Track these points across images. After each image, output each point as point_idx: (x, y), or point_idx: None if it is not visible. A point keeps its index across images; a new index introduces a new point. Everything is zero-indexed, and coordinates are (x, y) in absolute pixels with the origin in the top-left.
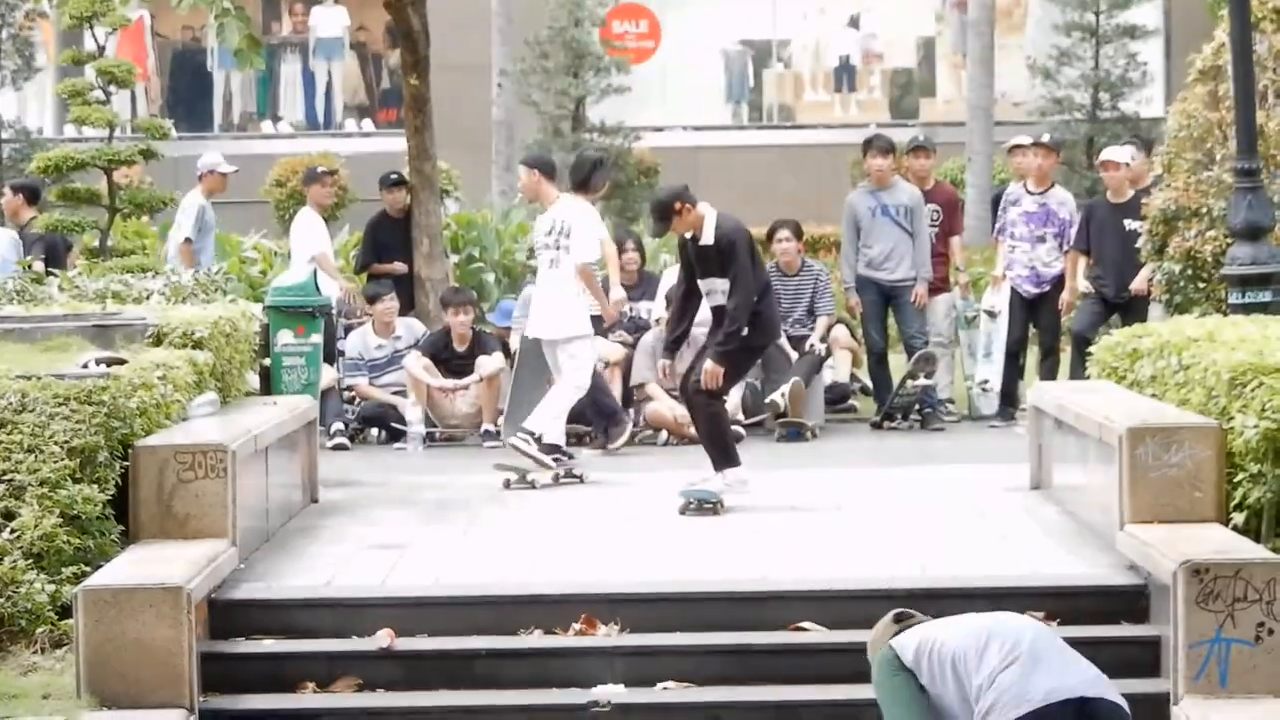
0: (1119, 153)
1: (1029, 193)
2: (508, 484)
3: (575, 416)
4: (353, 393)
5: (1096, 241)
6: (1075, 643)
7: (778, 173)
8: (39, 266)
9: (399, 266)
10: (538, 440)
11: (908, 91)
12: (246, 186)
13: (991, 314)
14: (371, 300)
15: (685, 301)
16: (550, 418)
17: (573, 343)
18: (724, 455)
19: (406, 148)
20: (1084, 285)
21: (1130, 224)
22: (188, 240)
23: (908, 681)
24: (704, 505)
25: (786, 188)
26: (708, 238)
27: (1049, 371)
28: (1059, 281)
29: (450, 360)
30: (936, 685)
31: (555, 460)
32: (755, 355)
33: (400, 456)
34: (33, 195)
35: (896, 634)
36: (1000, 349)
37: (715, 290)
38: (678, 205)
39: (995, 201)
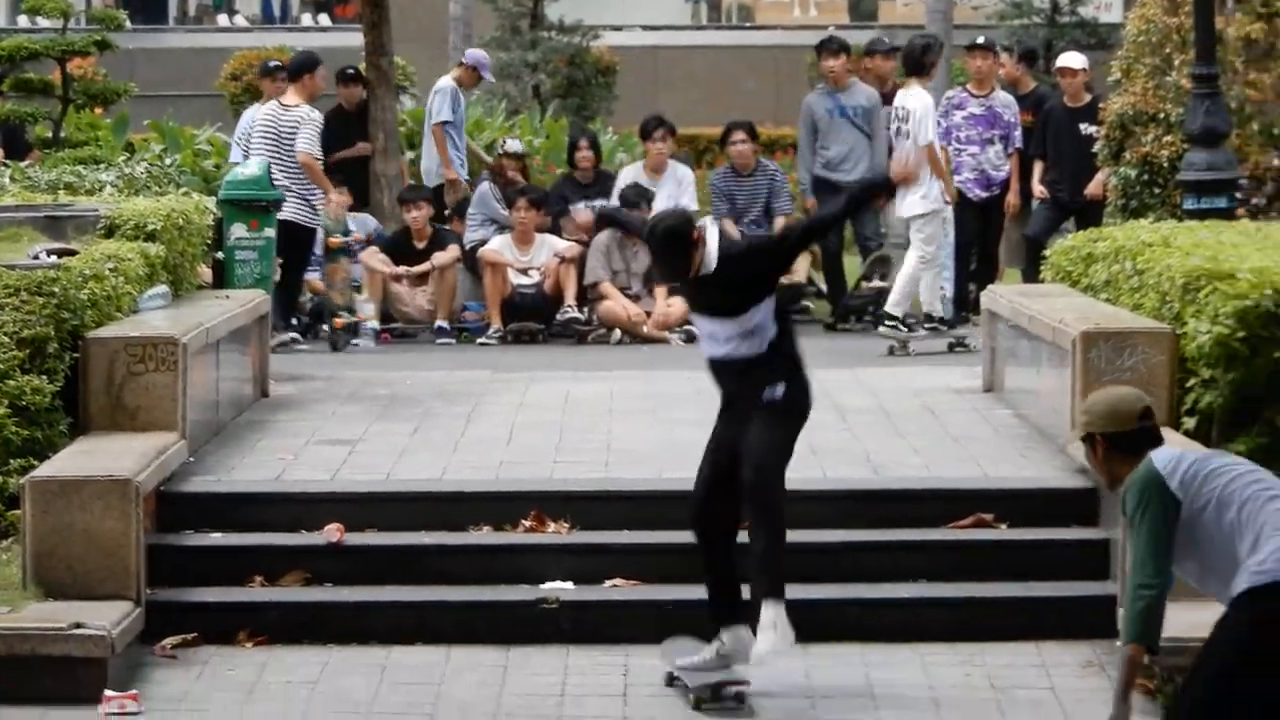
0: (1074, 59)
1: (973, 96)
2: (891, 350)
3: (530, 314)
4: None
5: (1053, 146)
6: (1025, 545)
7: (736, 73)
8: None
9: (363, 147)
10: (903, 321)
11: None
12: (201, 80)
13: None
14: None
15: None
16: (905, 296)
17: (921, 219)
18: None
19: (363, 43)
20: (1040, 190)
21: (1086, 128)
22: (442, 123)
23: (1168, 507)
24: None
25: (744, 88)
26: (708, 265)
27: (986, 275)
28: (1006, 185)
29: (410, 256)
30: (1197, 521)
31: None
32: (803, 419)
33: (352, 352)
34: None
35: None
36: (951, 255)
37: (719, 335)
38: (695, 233)
39: None
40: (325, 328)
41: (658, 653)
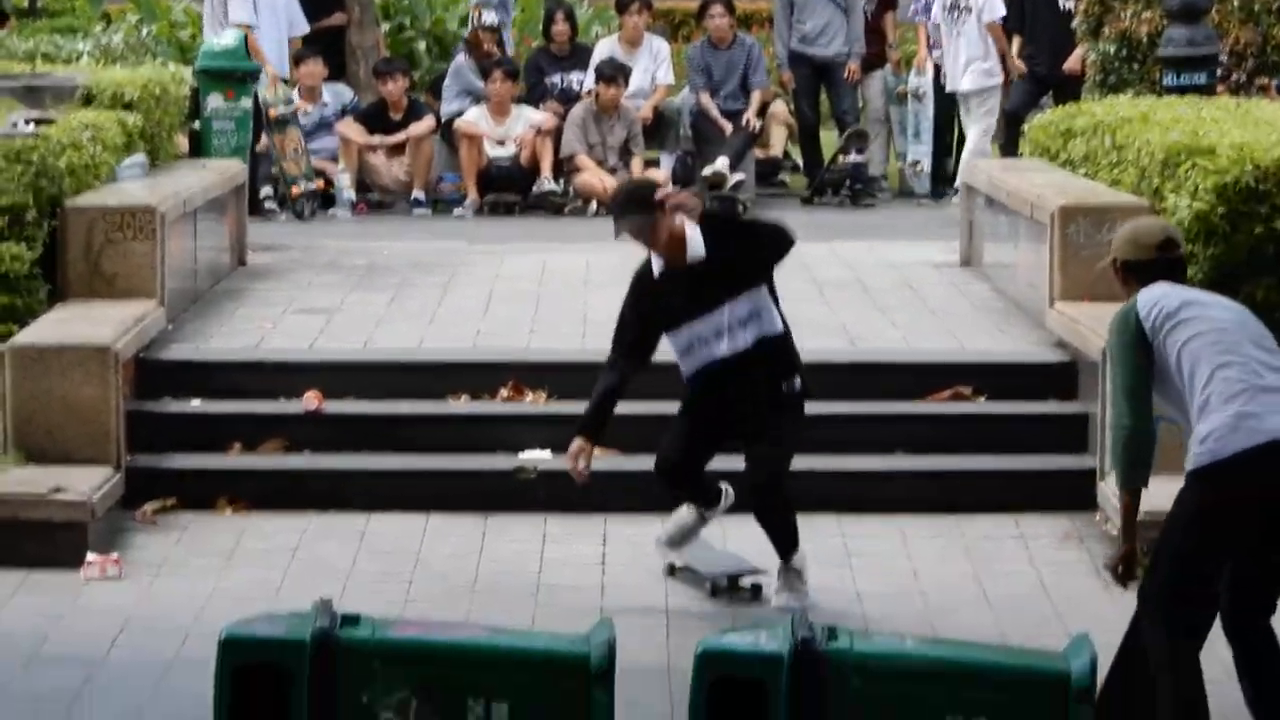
0: None
1: None
2: None
3: (506, 185)
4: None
5: (1031, 20)
6: (1003, 419)
7: None
8: None
9: (339, 17)
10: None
11: None
12: None
13: (917, 96)
14: (296, 63)
15: (621, 375)
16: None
17: (982, 94)
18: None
19: None
20: (1018, 64)
21: (1064, 3)
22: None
23: (1140, 347)
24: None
25: None
26: (696, 251)
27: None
28: None
29: (386, 128)
30: (1165, 367)
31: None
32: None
33: (329, 222)
34: None
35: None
36: (929, 130)
37: (724, 326)
38: (661, 196)
39: None
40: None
41: (634, 521)
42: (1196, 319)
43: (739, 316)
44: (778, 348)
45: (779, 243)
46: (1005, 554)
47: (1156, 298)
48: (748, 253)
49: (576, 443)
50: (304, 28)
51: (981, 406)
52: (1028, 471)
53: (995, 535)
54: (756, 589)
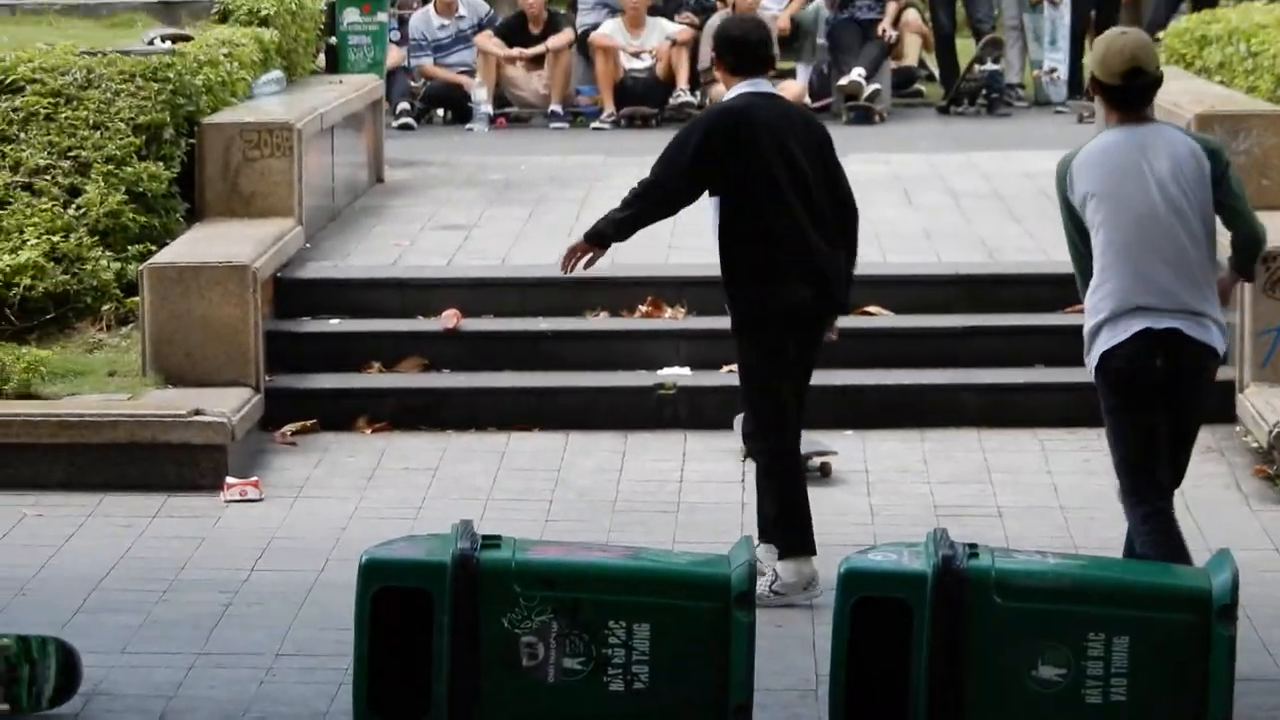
0: None
1: None
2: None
3: (642, 98)
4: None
5: None
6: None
7: None
8: None
9: None
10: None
11: None
12: None
13: (1053, 2)
14: None
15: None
16: None
17: None
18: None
19: None
20: None
21: None
22: None
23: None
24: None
25: None
26: None
27: None
28: None
29: (525, 41)
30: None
31: None
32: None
33: (466, 137)
34: None
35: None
36: (1065, 36)
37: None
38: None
39: None
40: (440, 111)
41: None
42: (1105, 177)
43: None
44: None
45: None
46: None
47: (1090, 149)
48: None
49: (581, 244)
50: None
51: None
52: None
53: None
54: (825, 468)
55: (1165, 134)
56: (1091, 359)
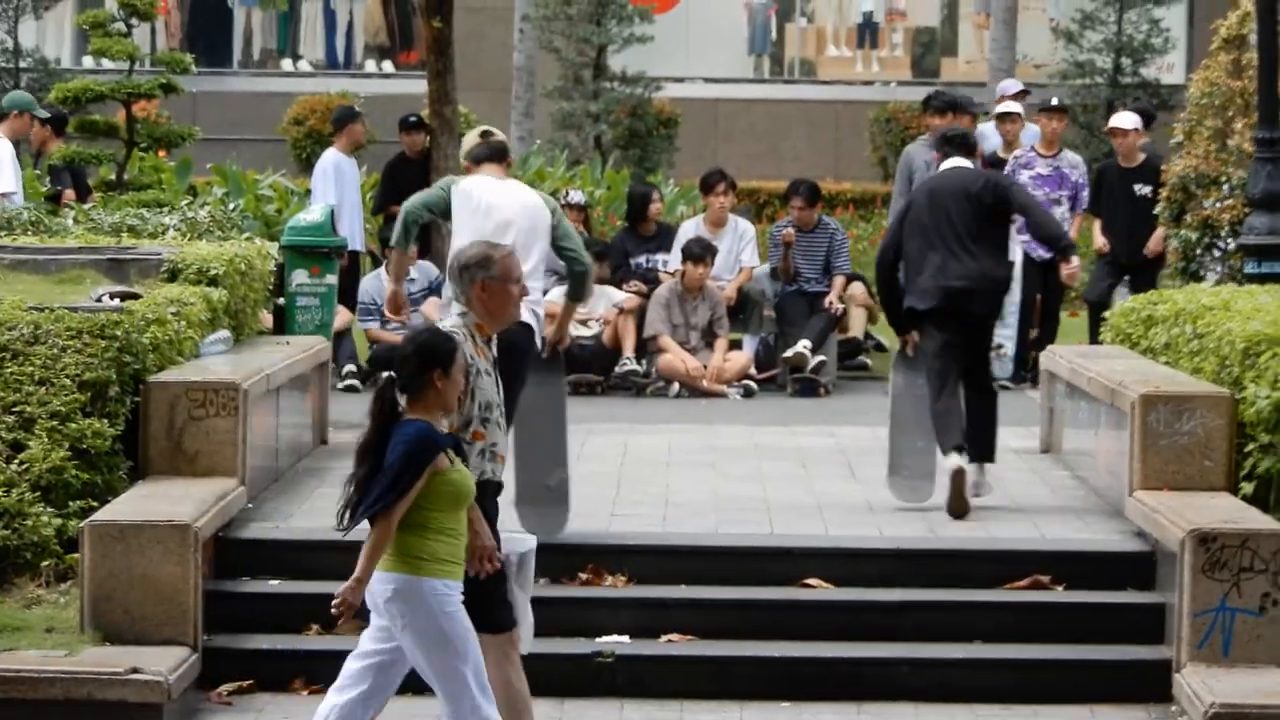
0: (1126, 119)
1: (1041, 156)
2: None
3: (588, 365)
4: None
5: (1107, 206)
6: (1080, 607)
7: (797, 128)
8: (69, 195)
9: None
10: None
11: (929, 50)
12: (264, 124)
13: None
14: (385, 243)
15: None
16: None
17: None
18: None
19: (427, 90)
20: (1101, 242)
21: (1140, 188)
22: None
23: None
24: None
25: (805, 143)
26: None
27: (1049, 335)
28: None
29: None
30: None
31: None
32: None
33: None
34: (59, 125)
35: None
36: (1014, 313)
37: None
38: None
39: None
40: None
41: (713, 709)
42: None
43: None
44: None
45: None
46: None
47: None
48: None
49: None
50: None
51: (1060, 595)
52: (1105, 661)
53: None
54: None
55: None
56: None
